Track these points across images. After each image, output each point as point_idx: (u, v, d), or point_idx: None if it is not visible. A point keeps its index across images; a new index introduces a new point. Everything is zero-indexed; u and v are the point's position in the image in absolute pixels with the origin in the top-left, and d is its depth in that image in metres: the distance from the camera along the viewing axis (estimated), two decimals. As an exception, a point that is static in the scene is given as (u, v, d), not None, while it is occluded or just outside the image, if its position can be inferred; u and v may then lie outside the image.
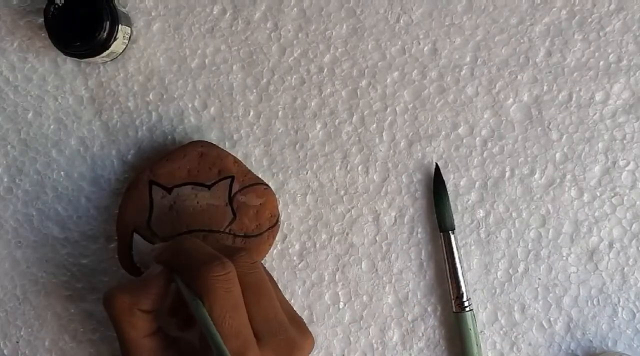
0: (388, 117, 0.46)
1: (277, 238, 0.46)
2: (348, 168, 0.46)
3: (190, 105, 0.47)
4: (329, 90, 0.46)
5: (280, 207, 0.46)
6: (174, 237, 0.44)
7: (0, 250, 0.47)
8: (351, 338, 0.46)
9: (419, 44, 0.46)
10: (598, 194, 0.46)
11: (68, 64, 0.47)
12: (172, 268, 0.37)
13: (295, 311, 0.39)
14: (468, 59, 0.46)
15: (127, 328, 0.36)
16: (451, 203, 0.46)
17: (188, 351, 0.38)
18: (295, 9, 0.46)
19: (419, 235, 0.46)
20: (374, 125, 0.46)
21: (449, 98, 0.46)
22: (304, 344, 0.38)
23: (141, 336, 0.37)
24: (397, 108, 0.46)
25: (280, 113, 0.47)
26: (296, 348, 0.37)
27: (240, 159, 0.45)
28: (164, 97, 0.47)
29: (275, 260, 0.46)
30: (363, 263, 0.46)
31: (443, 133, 0.46)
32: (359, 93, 0.46)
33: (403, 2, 0.46)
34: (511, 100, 0.46)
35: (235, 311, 0.35)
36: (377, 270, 0.46)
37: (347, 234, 0.46)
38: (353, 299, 0.46)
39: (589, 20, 0.46)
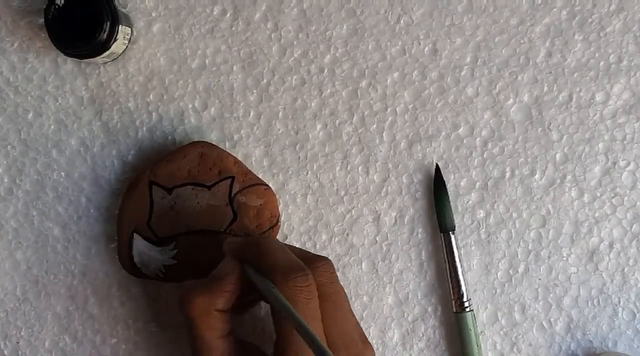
0: (388, 117, 0.46)
1: (277, 239, 0.46)
2: (348, 168, 0.46)
3: (190, 106, 0.47)
4: (329, 90, 0.46)
5: (280, 207, 0.46)
6: (174, 237, 0.44)
7: (0, 251, 0.47)
8: (351, 339, 0.46)
9: (420, 44, 0.46)
10: (598, 195, 0.46)
11: (68, 64, 0.47)
12: (248, 264, 0.37)
13: (358, 322, 0.39)
14: (468, 59, 0.46)
15: (204, 329, 0.36)
16: (451, 204, 0.46)
17: None
18: (295, 10, 0.46)
19: (419, 235, 0.46)
20: (374, 126, 0.46)
21: (449, 99, 0.46)
22: None
23: (216, 337, 0.37)
24: (397, 109, 0.46)
25: (280, 113, 0.47)
26: None
27: (240, 160, 0.45)
28: (165, 97, 0.47)
29: (276, 260, 0.46)
30: (363, 263, 0.46)
31: (443, 133, 0.46)
32: (359, 93, 0.46)
33: (403, 2, 0.46)
34: (511, 100, 0.46)
35: (312, 321, 0.35)
36: (377, 270, 0.46)
37: (348, 234, 0.46)
38: (353, 299, 0.46)
39: (590, 20, 0.46)
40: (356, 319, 0.39)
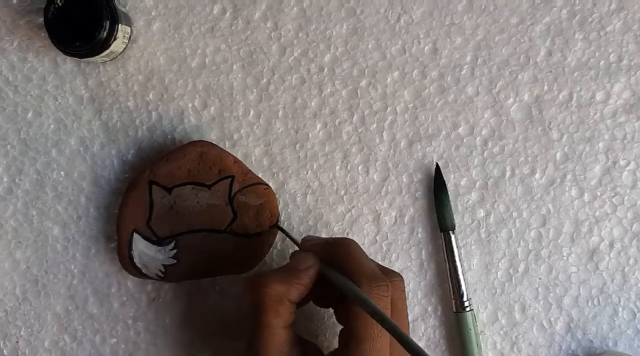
0: (388, 116, 0.46)
1: (277, 238, 0.46)
2: (348, 168, 0.46)
3: (190, 105, 0.47)
4: (329, 89, 0.46)
5: (280, 206, 0.46)
6: (174, 236, 0.44)
7: (0, 250, 0.47)
8: (351, 338, 0.46)
9: (420, 43, 0.46)
10: (599, 194, 0.46)
11: (68, 63, 0.47)
12: (330, 263, 0.38)
13: None
14: (468, 58, 0.46)
15: (273, 317, 0.37)
16: (451, 203, 0.46)
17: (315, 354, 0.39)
18: (295, 9, 0.46)
19: (419, 234, 0.46)
20: (374, 125, 0.46)
21: (449, 98, 0.46)
22: None
23: (281, 326, 0.37)
24: (397, 108, 0.46)
25: (280, 113, 0.46)
26: None
27: (240, 159, 0.45)
28: (164, 96, 0.47)
29: (275, 260, 0.46)
30: (363, 263, 0.46)
31: (443, 133, 0.46)
32: (359, 93, 0.46)
33: (403, 1, 0.46)
34: (512, 99, 0.46)
35: (383, 332, 0.36)
36: (377, 270, 0.46)
37: (348, 234, 0.46)
38: (353, 299, 0.46)
39: (590, 19, 0.46)
40: None
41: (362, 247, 0.45)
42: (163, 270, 0.44)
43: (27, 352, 0.47)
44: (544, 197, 0.46)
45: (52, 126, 0.47)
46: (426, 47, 0.46)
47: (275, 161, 0.47)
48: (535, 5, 0.46)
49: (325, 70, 0.46)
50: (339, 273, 0.37)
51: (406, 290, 0.46)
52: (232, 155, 0.45)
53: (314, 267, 0.38)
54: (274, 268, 0.46)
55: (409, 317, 0.46)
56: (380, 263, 0.46)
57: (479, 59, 0.46)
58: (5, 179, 0.47)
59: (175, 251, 0.44)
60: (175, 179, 0.44)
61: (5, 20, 0.46)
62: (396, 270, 0.46)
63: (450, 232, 0.45)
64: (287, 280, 0.37)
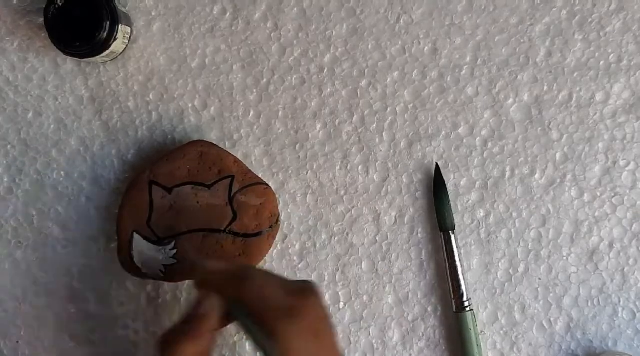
0: (388, 117, 0.46)
1: (277, 238, 0.46)
2: (348, 168, 0.46)
3: (190, 105, 0.47)
4: (329, 90, 0.46)
5: (280, 206, 0.46)
6: (174, 236, 0.44)
7: (0, 251, 0.47)
8: (351, 338, 0.46)
9: (419, 43, 0.46)
10: (598, 194, 0.46)
11: (68, 63, 0.47)
12: (234, 301, 0.36)
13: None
14: (468, 58, 0.46)
15: None
16: (451, 203, 0.46)
17: None
18: (295, 9, 0.46)
19: (419, 235, 0.46)
20: (374, 125, 0.46)
21: (449, 98, 0.46)
22: None
23: None
24: (397, 108, 0.46)
25: (280, 113, 0.47)
26: None
27: (240, 159, 0.45)
28: (164, 96, 0.47)
29: (275, 260, 0.46)
30: (363, 263, 0.46)
31: (443, 133, 0.46)
32: (359, 93, 0.46)
33: (403, 2, 0.46)
34: (511, 100, 0.46)
35: None
36: (377, 270, 0.46)
37: (348, 234, 0.46)
38: (353, 299, 0.46)
39: (589, 20, 0.46)
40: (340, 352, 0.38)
41: (362, 246, 0.46)
42: (163, 270, 0.44)
43: (27, 352, 0.47)
44: (544, 197, 0.46)
45: (52, 126, 0.47)
46: (426, 48, 0.46)
47: (275, 161, 0.47)
48: (535, 6, 0.46)
49: (325, 70, 0.46)
50: (248, 320, 0.35)
51: (406, 290, 0.46)
52: (232, 155, 0.45)
53: (215, 311, 0.35)
54: (273, 268, 0.46)
55: (409, 316, 0.46)
56: (380, 263, 0.46)
57: (479, 60, 0.46)
58: (5, 179, 0.47)
59: (175, 251, 0.44)
60: (175, 179, 0.44)
61: (6, 21, 0.46)
62: (396, 270, 0.46)
63: (450, 232, 0.45)
64: (196, 333, 0.35)
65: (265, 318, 0.34)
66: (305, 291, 0.36)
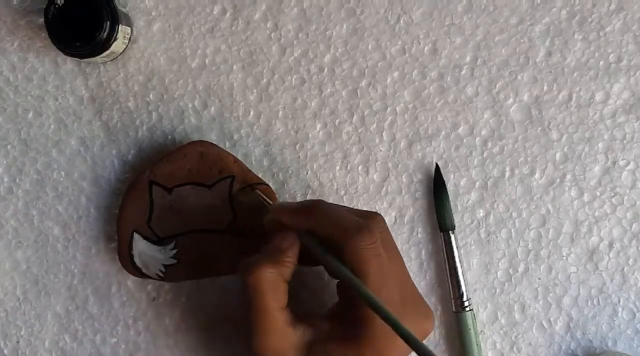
0: (388, 117, 0.46)
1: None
2: (348, 168, 0.46)
3: (190, 105, 0.47)
4: (329, 90, 0.46)
5: (280, 206, 0.46)
6: (174, 236, 0.44)
7: (0, 250, 0.47)
8: (351, 338, 0.46)
9: (419, 44, 0.46)
10: (598, 194, 0.46)
11: (68, 64, 0.47)
12: (307, 232, 0.37)
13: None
14: (468, 58, 0.46)
15: (270, 300, 0.36)
16: (451, 203, 0.46)
17: (318, 333, 0.38)
18: (295, 9, 0.46)
19: (419, 235, 0.46)
20: (374, 125, 0.46)
21: (449, 98, 0.46)
22: (433, 317, 0.40)
23: (277, 308, 0.37)
24: (397, 108, 0.46)
25: (280, 113, 0.47)
26: (429, 319, 0.39)
27: (240, 159, 0.45)
28: (164, 97, 0.47)
29: (276, 260, 0.46)
30: (363, 263, 0.46)
31: (443, 133, 0.46)
32: (359, 93, 0.46)
33: (403, 2, 0.46)
34: (511, 100, 0.46)
35: (387, 280, 0.35)
36: (377, 270, 0.46)
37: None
38: (353, 299, 0.46)
39: (589, 20, 0.46)
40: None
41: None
42: (163, 270, 0.44)
43: (27, 352, 0.47)
44: (544, 197, 0.46)
45: (52, 126, 0.47)
46: (426, 48, 0.46)
47: (275, 161, 0.47)
48: (534, 6, 0.46)
49: (325, 70, 0.46)
50: (321, 247, 0.37)
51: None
52: (232, 155, 0.45)
53: (296, 243, 0.38)
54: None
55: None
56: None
57: (479, 60, 0.46)
58: (5, 179, 0.47)
59: (175, 251, 0.44)
60: (175, 179, 0.44)
61: (6, 21, 0.46)
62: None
63: (450, 232, 0.45)
64: (274, 261, 0.37)
65: (339, 239, 0.36)
66: (371, 214, 0.38)
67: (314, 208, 0.38)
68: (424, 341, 0.35)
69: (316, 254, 0.37)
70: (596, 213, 0.46)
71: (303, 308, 0.43)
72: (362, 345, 0.36)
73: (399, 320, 0.32)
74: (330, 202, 0.43)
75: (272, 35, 0.46)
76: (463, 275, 0.45)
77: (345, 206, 0.40)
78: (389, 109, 0.46)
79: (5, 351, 0.47)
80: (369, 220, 0.37)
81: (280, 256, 0.37)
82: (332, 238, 0.36)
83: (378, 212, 0.40)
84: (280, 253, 0.37)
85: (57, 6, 0.42)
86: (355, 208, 0.40)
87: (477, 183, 0.46)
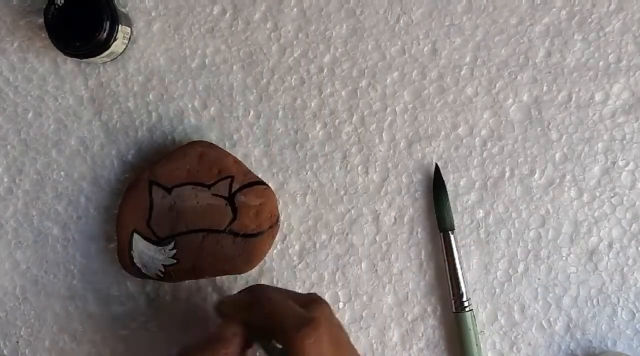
0: (388, 117, 0.46)
1: (277, 238, 0.46)
2: (348, 168, 0.47)
3: (190, 106, 0.47)
4: (328, 90, 0.46)
5: (280, 207, 0.46)
6: (174, 237, 0.44)
7: (0, 250, 0.47)
8: (351, 338, 0.46)
9: (419, 44, 0.46)
10: (597, 194, 0.46)
11: (68, 64, 0.47)
12: (252, 326, 0.36)
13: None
14: (468, 59, 0.46)
15: None
16: (451, 204, 0.46)
17: None
18: (295, 9, 0.46)
19: (418, 235, 0.46)
20: (374, 126, 0.46)
21: (448, 99, 0.46)
22: None
23: None
24: (397, 109, 0.46)
25: (280, 113, 0.47)
26: None
27: (240, 159, 0.45)
28: (164, 97, 0.47)
29: (275, 260, 0.46)
30: (363, 263, 0.46)
31: (443, 133, 0.46)
32: (358, 93, 0.46)
33: (403, 2, 0.46)
34: (511, 100, 0.46)
35: None
36: (376, 270, 0.46)
37: (347, 234, 0.46)
38: (353, 299, 0.46)
39: (589, 20, 0.46)
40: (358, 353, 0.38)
41: (361, 247, 0.46)
42: (163, 270, 0.44)
43: (27, 352, 0.47)
44: (543, 197, 0.46)
45: (52, 126, 0.47)
46: (425, 48, 0.46)
47: (275, 161, 0.47)
48: (534, 6, 0.46)
49: (325, 70, 0.46)
50: (264, 341, 0.36)
51: (406, 290, 0.46)
52: (232, 155, 0.45)
53: (238, 336, 0.36)
54: (273, 268, 0.46)
55: (409, 317, 0.46)
56: (379, 263, 0.46)
57: (479, 60, 0.46)
58: (5, 179, 0.47)
59: (175, 251, 0.44)
60: (175, 179, 0.44)
61: (6, 21, 0.47)
62: (395, 271, 0.46)
63: (450, 232, 0.45)
64: (214, 352, 0.35)
65: (284, 334, 0.34)
66: (316, 301, 0.37)
67: (256, 303, 0.36)
68: None
69: (264, 350, 0.36)
70: (596, 214, 0.46)
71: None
72: None
73: None
74: (274, 287, 0.41)
75: (272, 35, 0.46)
76: (463, 275, 0.45)
77: (289, 291, 0.39)
78: (388, 109, 0.46)
79: (5, 351, 0.47)
80: (314, 310, 0.36)
81: (217, 348, 0.35)
82: (279, 333, 0.35)
83: (323, 297, 0.38)
84: (217, 345, 0.35)
85: (57, 6, 0.42)
86: (299, 292, 0.39)
87: (477, 183, 0.46)
